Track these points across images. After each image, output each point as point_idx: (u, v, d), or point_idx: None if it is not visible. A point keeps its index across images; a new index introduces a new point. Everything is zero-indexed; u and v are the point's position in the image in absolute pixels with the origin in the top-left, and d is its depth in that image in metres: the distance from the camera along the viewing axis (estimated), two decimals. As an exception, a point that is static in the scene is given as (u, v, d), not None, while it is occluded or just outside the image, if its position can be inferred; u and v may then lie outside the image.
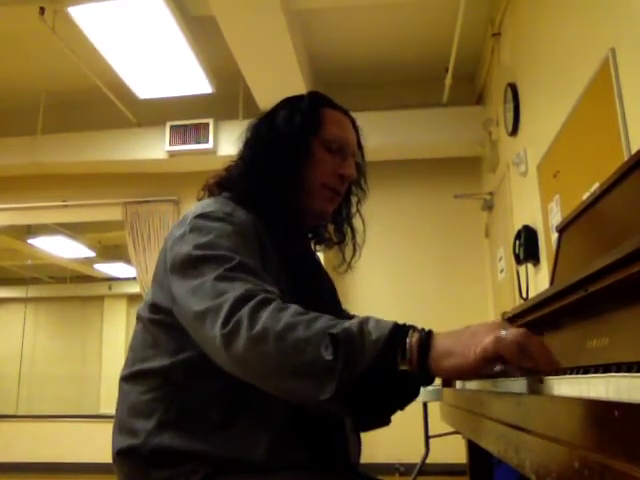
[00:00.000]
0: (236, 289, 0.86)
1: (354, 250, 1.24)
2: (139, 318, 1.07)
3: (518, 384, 0.86)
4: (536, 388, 0.76)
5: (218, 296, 0.86)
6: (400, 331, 0.77)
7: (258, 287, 0.88)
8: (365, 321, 0.79)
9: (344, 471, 1.03)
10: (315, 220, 1.20)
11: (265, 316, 0.81)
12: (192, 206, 1.07)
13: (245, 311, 0.82)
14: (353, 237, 1.24)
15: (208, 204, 1.05)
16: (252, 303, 0.83)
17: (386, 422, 0.81)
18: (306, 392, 0.78)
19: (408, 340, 0.76)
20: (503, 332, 0.72)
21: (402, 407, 0.79)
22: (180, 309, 0.94)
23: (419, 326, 0.80)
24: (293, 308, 0.83)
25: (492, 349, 0.71)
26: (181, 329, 0.96)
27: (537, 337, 0.74)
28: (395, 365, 0.75)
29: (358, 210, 1.25)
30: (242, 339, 0.80)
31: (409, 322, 0.80)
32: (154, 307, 1.03)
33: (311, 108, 1.16)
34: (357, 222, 1.26)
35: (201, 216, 1.00)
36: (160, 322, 1.01)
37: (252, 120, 1.20)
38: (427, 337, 0.76)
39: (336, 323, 0.80)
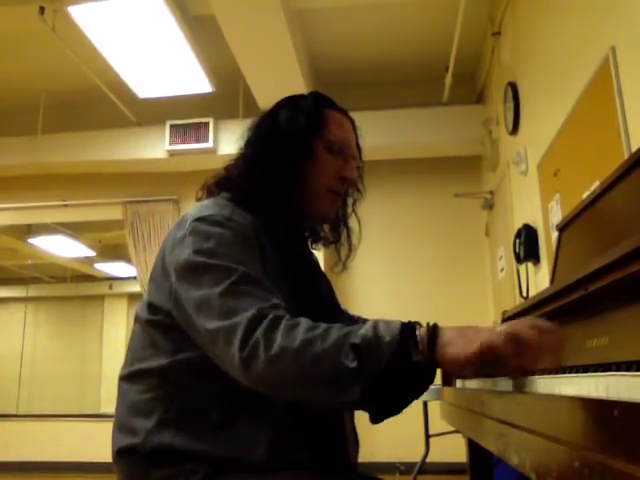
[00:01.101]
0: (246, 308, 0.87)
1: (349, 250, 1.24)
2: (137, 319, 1.07)
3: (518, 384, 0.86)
4: (520, 386, 0.83)
5: (228, 315, 0.87)
6: (409, 327, 0.84)
7: (266, 303, 0.89)
8: (376, 325, 0.84)
9: (343, 471, 1.03)
10: (316, 221, 1.20)
11: (280, 336, 0.84)
12: (190, 207, 1.07)
13: (260, 333, 0.84)
14: (348, 237, 1.24)
15: (207, 206, 1.04)
16: (265, 324, 0.85)
17: (399, 412, 0.86)
18: (330, 398, 0.84)
19: (418, 332, 0.83)
20: (499, 329, 0.81)
21: (417, 397, 0.85)
22: (187, 319, 0.95)
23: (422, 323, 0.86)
24: (304, 324, 0.86)
25: (494, 344, 0.79)
26: (179, 330, 0.97)
27: (533, 333, 0.80)
28: (410, 359, 0.81)
29: (354, 210, 1.25)
30: (261, 360, 0.83)
31: (409, 322, 0.85)
32: (151, 307, 1.03)
33: (315, 109, 1.15)
34: (353, 222, 1.26)
35: (200, 220, 1.00)
36: (158, 323, 1.01)
37: (254, 119, 1.20)
38: (434, 327, 0.83)
39: (350, 331, 0.84)
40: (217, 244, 0.96)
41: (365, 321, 1.35)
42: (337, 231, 1.24)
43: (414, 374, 0.82)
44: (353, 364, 0.80)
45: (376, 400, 0.82)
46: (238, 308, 0.88)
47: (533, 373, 0.82)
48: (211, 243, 0.96)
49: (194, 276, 0.93)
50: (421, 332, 0.82)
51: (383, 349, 0.81)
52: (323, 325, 0.86)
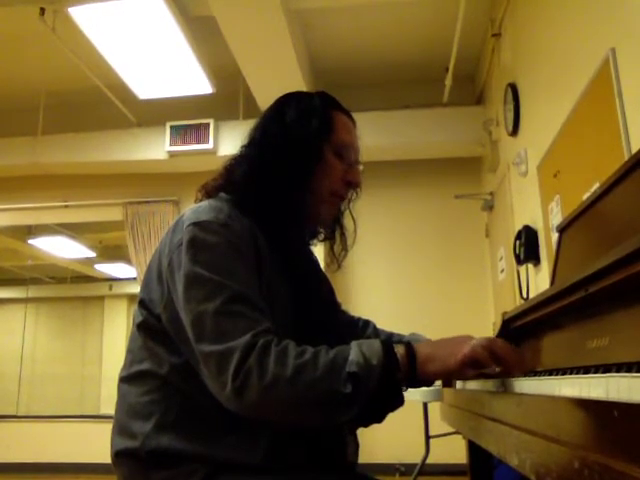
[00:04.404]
0: (238, 333, 0.88)
1: (343, 249, 1.24)
2: (134, 322, 1.06)
3: (518, 384, 0.86)
4: (505, 387, 0.91)
5: (221, 339, 0.88)
6: (389, 348, 0.90)
7: (257, 327, 0.90)
8: (361, 348, 0.89)
9: (342, 471, 1.03)
10: (317, 223, 1.20)
11: (272, 364, 0.86)
12: (187, 209, 1.06)
13: (252, 362, 0.86)
14: (342, 235, 1.23)
15: (203, 210, 1.02)
16: (256, 352, 0.86)
17: (379, 422, 0.93)
18: (324, 421, 0.91)
19: (397, 353, 0.89)
20: (475, 342, 0.91)
21: (393, 410, 0.92)
22: (178, 328, 0.95)
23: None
24: (292, 350, 0.88)
25: (470, 356, 0.89)
26: (167, 334, 0.98)
27: (505, 342, 0.94)
28: (394, 378, 0.88)
29: (348, 209, 1.23)
30: (254, 389, 0.85)
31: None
32: (141, 309, 1.03)
33: (324, 111, 1.13)
34: (349, 222, 1.25)
35: (195, 225, 0.98)
36: (147, 326, 1.01)
37: (259, 117, 1.17)
38: (411, 348, 0.90)
39: (337, 355, 0.88)
40: (212, 255, 0.95)
41: (365, 323, 1.35)
42: (332, 229, 1.23)
43: (396, 391, 0.89)
44: (348, 390, 0.84)
45: (366, 415, 0.89)
46: (230, 332, 0.88)
47: (513, 375, 0.92)
48: (206, 254, 0.95)
49: (188, 288, 0.93)
50: (400, 353, 0.89)
51: (373, 372, 0.86)
52: (310, 349, 0.89)
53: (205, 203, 1.06)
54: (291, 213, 1.08)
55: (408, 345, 0.91)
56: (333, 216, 1.18)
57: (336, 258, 1.24)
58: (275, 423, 0.93)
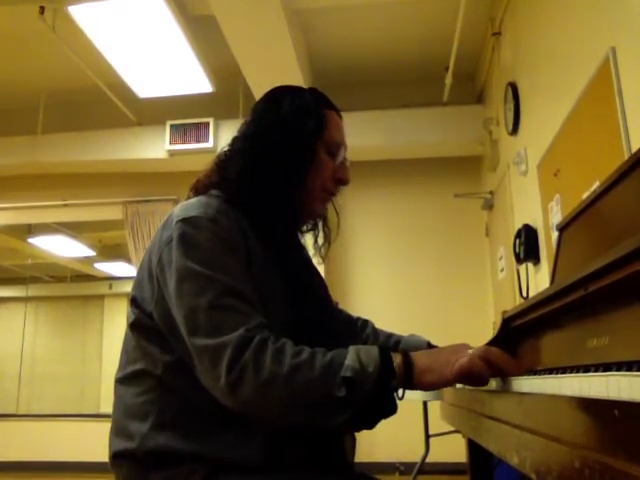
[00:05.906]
0: (232, 327, 0.88)
1: (325, 241, 1.25)
2: (127, 321, 1.06)
3: (518, 383, 0.86)
4: (506, 386, 0.92)
5: (214, 333, 0.88)
6: (387, 356, 0.89)
7: (251, 322, 0.90)
8: (358, 353, 0.88)
9: (341, 470, 1.03)
10: (307, 219, 1.20)
11: (268, 361, 0.85)
12: (176, 206, 1.06)
13: (248, 357, 0.86)
14: (326, 227, 1.24)
15: (192, 206, 1.02)
16: (253, 348, 0.86)
17: (371, 428, 0.91)
18: (316, 423, 0.88)
19: (395, 363, 0.88)
20: (470, 351, 0.91)
21: (386, 417, 0.90)
22: (171, 324, 0.95)
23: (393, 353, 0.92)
24: (289, 348, 0.88)
25: (467, 366, 0.88)
26: (160, 332, 0.97)
27: (501, 351, 0.94)
28: (389, 386, 0.87)
29: (332, 202, 1.22)
30: (250, 385, 0.85)
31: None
32: (133, 307, 1.03)
33: (318, 110, 1.13)
34: (332, 216, 1.25)
35: (184, 221, 0.98)
36: (140, 325, 1.01)
37: (251, 113, 1.17)
38: (408, 358, 0.90)
39: (334, 358, 0.87)
40: (203, 251, 0.95)
41: (364, 323, 1.35)
42: (315, 221, 1.23)
43: (389, 399, 0.88)
44: (342, 394, 0.84)
45: (358, 420, 0.88)
46: (224, 326, 0.88)
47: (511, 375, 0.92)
48: (197, 249, 0.95)
49: (180, 283, 0.93)
50: (397, 362, 0.88)
51: (368, 379, 0.85)
52: (307, 349, 0.89)
53: (194, 199, 1.06)
54: (285, 208, 1.08)
55: (405, 354, 0.90)
56: (322, 212, 1.19)
57: (319, 250, 1.24)
58: (266, 421, 0.92)
